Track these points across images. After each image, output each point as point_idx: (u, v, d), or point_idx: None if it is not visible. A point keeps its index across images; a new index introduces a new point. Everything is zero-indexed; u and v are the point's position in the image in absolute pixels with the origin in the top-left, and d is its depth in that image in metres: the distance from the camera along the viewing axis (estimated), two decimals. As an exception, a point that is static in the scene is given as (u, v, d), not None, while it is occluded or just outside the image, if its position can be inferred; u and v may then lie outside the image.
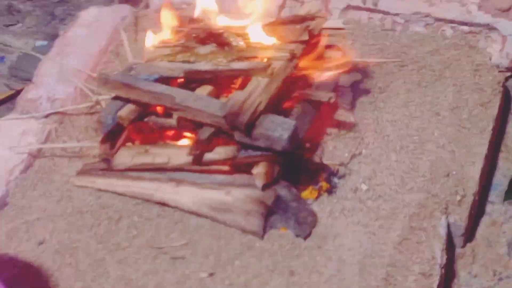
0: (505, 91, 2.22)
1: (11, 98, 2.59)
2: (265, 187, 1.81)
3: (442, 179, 1.92)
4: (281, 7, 2.28)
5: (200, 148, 1.82)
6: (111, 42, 2.39)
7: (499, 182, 2.08)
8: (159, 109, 1.91)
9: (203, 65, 1.91)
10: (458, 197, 1.89)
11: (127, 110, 1.90)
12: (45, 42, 2.81)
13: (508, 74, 2.25)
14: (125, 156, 1.93)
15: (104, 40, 2.38)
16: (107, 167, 1.96)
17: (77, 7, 2.86)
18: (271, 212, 1.81)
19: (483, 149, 1.99)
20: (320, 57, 2.03)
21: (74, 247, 1.82)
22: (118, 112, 1.90)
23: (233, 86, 1.93)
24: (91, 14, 2.49)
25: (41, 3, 3.00)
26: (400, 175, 1.94)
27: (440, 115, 2.09)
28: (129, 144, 1.97)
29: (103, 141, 1.93)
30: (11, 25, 2.95)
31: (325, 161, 1.97)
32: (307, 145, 1.95)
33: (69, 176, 2.01)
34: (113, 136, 1.93)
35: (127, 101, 1.92)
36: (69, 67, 2.27)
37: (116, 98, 1.94)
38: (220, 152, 1.83)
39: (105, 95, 2.12)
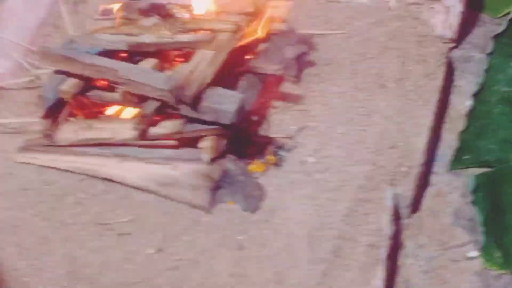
0: (449, 62, 2.23)
1: None
2: (212, 161, 1.80)
3: (388, 151, 1.93)
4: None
5: (145, 123, 1.79)
6: (50, 14, 2.33)
7: (444, 153, 2.10)
8: (102, 83, 1.87)
9: (147, 38, 1.88)
10: (404, 169, 1.90)
11: (69, 84, 1.87)
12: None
13: (452, 45, 2.26)
14: (68, 132, 1.90)
15: (42, 12, 2.33)
16: (50, 143, 1.92)
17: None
18: (218, 186, 1.80)
19: (428, 121, 2.01)
20: (265, 28, 2.02)
21: (17, 225, 1.79)
22: (60, 87, 1.86)
23: (178, 59, 1.90)
24: (29, -14, 2.43)
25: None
26: (347, 147, 1.94)
27: (385, 87, 2.09)
28: (72, 119, 1.93)
29: (45, 117, 1.89)
30: None
31: (271, 134, 1.96)
32: (254, 118, 1.94)
33: (10, 152, 1.96)
34: (55, 111, 1.90)
35: (69, 75, 1.88)
36: (7, 41, 2.21)
37: (57, 72, 1.90)
38: (166, 126, 1.81)
39: (45, 69, 2.07)
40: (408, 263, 1.85)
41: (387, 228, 1.76)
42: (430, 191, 2.02)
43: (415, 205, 1.94)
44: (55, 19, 2.32)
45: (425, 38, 2.22)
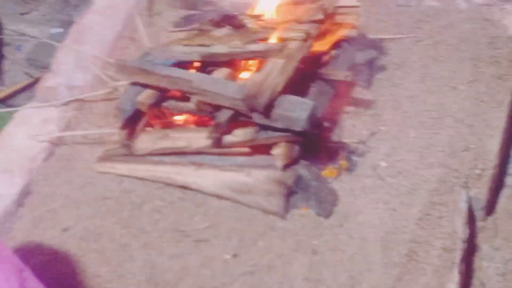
0: (522, 62, 2.22)
1: (31, 86, 2.61)
2: (285, 168, 1.82)
3: (461, 154, 1.92)
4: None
5: (219, 131, 1.83)
6: (126, 27, 2.39)
7: (519, 154, 2.09)
8: (177, 93, 1.92)
9: (219, 48, 1.92)
10: (478, 171, 1.89)
11: (145, 96, 1.91)
12: (60, 29, 2.82)
13: (525, 45, 2.25)
14: (146, 141, 1.95)
15: (119, 26, 2.39)
16: (128, 152, 1.97)
17: (91, -7, 2.87)
18: (292, 192, 1.83)
19: (501, 122, 2.00)
20: (335, 35, 2.03)
21: (99, 233, 1.84)
22: (136, 98, 1.91)
23: (249, 68, 1.94)
24: (105, 0, 2.50)
25: (55, -10, 3.01)
26: (419, 151, 1.94)
27: (457, 89, 2.09)
28: (149, 129, 1.98)
29: (123, 127, 1.94)
30: (26, 13, 2.96)
31: (344, 140, 1.97)
32: (326, 124, 1.95)
33: (91, 162, 2.02)
34: (132, 121, 1.95)
35: (145, 86, 1.93)
36: (86, 54, 2.28)
37: (134, 84, 1.95)
38: (239, 134, 1.84)
39: (123, 81, 2.13)
40: (483, 266, 1.84)
41: (462, 231, 1.75)
42: (504, 193, 2.01)
43: (490, 207, 1.94)
44: (131, 32, 2.38)
45: (496, 39, 2.21)
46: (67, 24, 2.70)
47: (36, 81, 2.51)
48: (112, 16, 2.42)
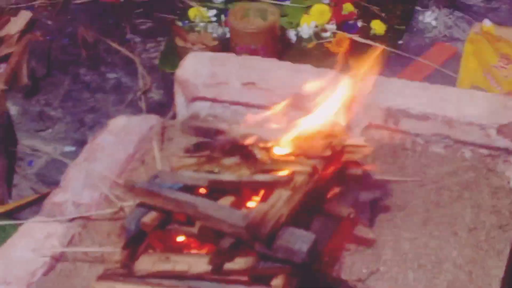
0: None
1: (37, 201, 2.65)
2: (283, 300, 1.82)
3: (459, 300, 1.93)
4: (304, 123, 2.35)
5: (220, 258, 1.84)
6: (138, 150, 2.45)
7: (516, 305, 2.08)
8: (182, 217, 1.94)
9: (227, 176, 1.96)
10: (475, 319, 1.89)
11: (150, 217, 1.94)
12: (73, 148, 2.88)
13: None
14: (146, 263, 1.95)
15: (131, 148, 2.44)
16: (127, 272, 1.98)
17: (106, 116, 2.95)
18: (288, 325, 1.82)
19: (500, 272, 2.00)
20: (341, 172, 2.08)
21: None
22: (141, 219, 1.93)
23: (255, 197, 1.97)
24: (120, 123, 2.56)
25: (72, 110, 3.10)
26: (417, 294, 1.95)
27: (458, 235, 2.11)
28: (150, 250, 2.00)
29: (124, 247, 1.95)
30: (41, 130, 3.04)
31: (343, 276, 1.98)
32: (326, 259, 1.97)
33: (89, 280, 2.02)
34: (135, 242, 1.96)
35: (151, 208, 1.96)
36: (96, 173, 2.32)
37: (140, 205, 1.98)
38: (240, 262, 1.85)
39: (129, 202, 2.16)
40: None
41: None
42: None
43: None
44: (142, 155, 2.43)
45: (499, 189, 2.25)
46: (81, 143, 2.77)
47: (43, 196, 2.55)
48: (125, 138, 2.48)
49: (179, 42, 3.25)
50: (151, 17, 3.52)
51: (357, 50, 3.19)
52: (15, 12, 3.48)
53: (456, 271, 2.00)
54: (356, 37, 3.42)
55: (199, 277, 1.90)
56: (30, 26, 3.42)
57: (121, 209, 2.20)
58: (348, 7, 3.49)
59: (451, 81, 3.01)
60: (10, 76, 3.16)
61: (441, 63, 3.26)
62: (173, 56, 3.25)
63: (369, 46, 3.30)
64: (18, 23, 3.42)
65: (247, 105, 2.53)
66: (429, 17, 3.52)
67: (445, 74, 3.14)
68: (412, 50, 3.31)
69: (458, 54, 3.16)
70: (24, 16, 3.46)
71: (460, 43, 3.27)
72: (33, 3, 3.58)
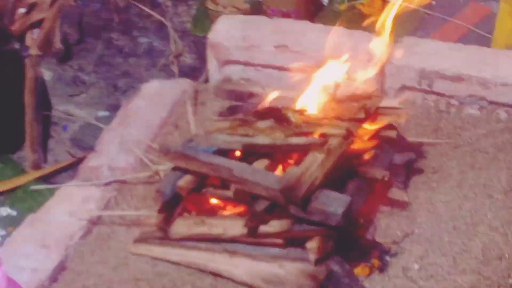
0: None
1: (73, 166, 2.67)
2: (318, 262, 1.84)
3: (494, 262, 1.93)
4: (338, 85, 2.34)
5: (255, 220, 1.86)
6: (171, 114, 2.46)
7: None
8: (216, 180, 1.96)
9: (261, 139, 1.97)
10: (510, 280, 1.89)
11: (185, 181, 1.95)
12: (107, 113, 2.90)
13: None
14: (182, 226, 1.98)
15: (164, 112, 2.46)
16: (163, 236, 2.00)
17: (139, 80, 2.95)
18: (323, 287, 1.83)
19: (535, 233, 2.00)
20: (376, 135, 2.07)
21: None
22: (177, 183, 1.95)
23: (289, 160, 1.98)
24: (153, 87, 2.58)
25: (105, 75, 3.10)
26: (452, 256, 1.95)
27: (493, 198, 2.10)
28: (186, 214, 2.01)
29: (161, 211, 1.98)
30: (75, 95, 3.06)
31: (377, 239, 1.99)
32: (361, 221, 1.97)
33: (126, 243, 2.05)
34: (171, 205, 1.98)
35: (185, 171, 1.97)
36: (130, 137, 2.34)
37: (175, 168, 2.00)
38: (275, 225, 1.87)
39: (164, 166, 2.18)
40: None
41: None
42: (536, 304, 1.99)
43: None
44: (175, 119, 2.45)
45: (535, 151, 2.23)
46: (115, 108, 2.77)
47: (78, 161, 2.57)
48: (158, 103, 2.49)
49: (211, 5, 3.24)
50: (182, -19, 3.50)
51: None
52: (47, -22, 3.48)
53: (491, 233, 2.00)
54: (389, -2, 3.38)
55: (234, 239, 1.92)
56: (62, -8, 3.42)
57: (156, 172, 2.22)
58: (380, -32, 3.44)
59: (485, 42, 2.97)
60: (43, 42, 3.17)
61: (475, 23, 3.22)
62: (205, 19, 3.23)
63: (403, 6, 3.26)
64: (50, -12, 3.42)
65: (280, 68, 2.52)
66: (463, -23, 3.47)
67: (480, 35, 3.09)
68: (446, 11, 3.26)
69: (493, 14, 3.11)
70: (56, -19, 3.46)
71: (495, 3, 3.21)
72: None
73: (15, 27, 3.24)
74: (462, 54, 2.44)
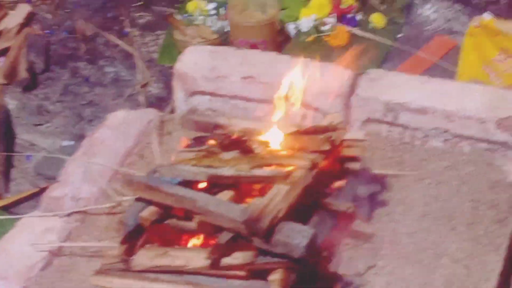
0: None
1: (35, 196, 2.65)
2: (281, 294, 1.82)
3: (457, 294, 1.93)
4: (303, 117, 2.35)
5: (218, 252, 1.84)
6: (137, 144, 2.45)
7: (514, 299, 2.08)
8: (180, 212, 1.94)
9: (226, 171, 1.96)
10: (473, 314, 1.89)
11: (149, 212, 1.94)
12: (72, 142, 2.88)
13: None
14: (144, 257, 1.95)
15: (130, 142, 2.44)
16: (125, 267, 1.98)
17: (105, 110, 2.95)
18: (286, 319, 1.82)
19: (498, 266, 2.00)
20: (340, 167, 2.08)
21: None
22: (140, 214, 1.93)
23: (253, 192, 1.97)
24: (119, 117, 2.56)
25: (70, 104, 3.10)
26: (415, 288, 1.95)
27: (456, 230, 2.11)
28: (148, 245, 1.99)
29: (123, 242, 1.95)
30: (40, 124, 3.04)
31: (340, 271, 1.98)
32: (324, 254, 1.97)
33: (88, 275, 2.02)
34: (133, 237, 1.96)
35: (149, 203, 1.96)
36: (95, 167, 2.32)
37: (139, 199, 1.98)
38: (238, 257, 1.85)
39: (127, 196, 2.16)
40: None
41: None
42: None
43: None
44: (140, 149, 2.43)
45: (497, 184, 2.25)
46: (79, 137, 2.77)
47: (41, 191, 2.55)
48: (124, 132, 2.48)
49: (178, 36, 3.25)
50: (149, 11, 3.52)
51: (356, 44, 3.19)
52: (13, 5, 3.47)
53: (454, 265, 2.00)
54: (356, 31, 3.41)
55: (197, 271, 1.90)
56: (28, 20, 3.41)
57: (120, 203, 2.20)
58: (347, 1, 3.48)
59: (450, 75, 3.01)
60: (8, 70, 3.16)
61: (440, 56, 3.26)
62: (172, 50, 3.25)
63: (369, 39, 3.30)
64: (16, 16, 3.42)
65: (246, 99, 2.52)
66: (428, 10, 3.51)
67: (445, 68, 3.14)
68: (412, 43, 3.30)
69: (458, 47, 3.16)
70: (22, 10, 3.46)
71: (460, 36, 3.26)
72: (32, -4, 3.58)
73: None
74: (427, 86, 2.46)
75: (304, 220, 1.91)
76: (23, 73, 3.14)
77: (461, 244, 2.06)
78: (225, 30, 3.37)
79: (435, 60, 3.21)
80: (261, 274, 1.85)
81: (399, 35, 3.41)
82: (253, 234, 1.80)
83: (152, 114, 2.60)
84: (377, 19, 3.43)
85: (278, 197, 1.86)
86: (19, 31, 3.33)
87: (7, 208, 2.66)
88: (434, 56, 3.25)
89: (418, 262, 2.01)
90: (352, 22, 3.46)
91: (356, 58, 2.48)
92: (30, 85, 3.15)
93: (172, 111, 2.72)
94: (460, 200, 2.20)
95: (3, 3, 3.47)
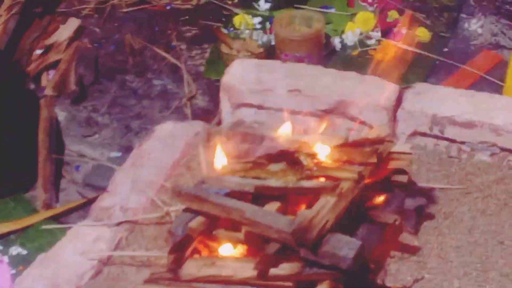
0: None
1: (84, 206, 2.69)
2: (328, 306, 1.83)
3: (505, 309, 1.92)
4: (350, 129, 2.36)
5: (266, 263, 1.86)
6: (183, 156, 2.47)
7: None
8: (227, 223, 1.96)
9: (273, 182, 1.98)
10: (521, 328, 1.88)
11: (197, 222, 1.96)
12: (119, 154, 2.92)
13: None
14: (192, 267, 1.98)
15: (177, 154, 2.47)
16: (173, 277, 2.00)
17: (152, 122, 2.99)
18: (333, 331, 1.82)
19: (546, 281, 1.99)
20: (387, 179, 2.08)
21: None
22: (188, 224, 1.95)
23: (301, 204, 1.98)
24: (166, 129, 2.59)
25: (118, 116, 3.13)
26: (462, 301, 1.94)
27: (504, 244, 2.10)
28: (196, 255, 2.02)
29: (171, 251, 1.98)
30: (89, 136, 3.08)
31: (387, 283, 1.98)
32: (371, 266, 1.97)
33: (136, 284, 2.05)
34: (181, 247, 1.98)
35: (197, 213, 1.98)
36: (143, 178, 2.35)
37: (187, 210, 2.01)
38: (285, 268, 1.87)
39: (175, 207, 2.19)
40: None
41: None
42: None
43: None
44: (187, 161, 2.46)
45: (546, 198, 2.23)
46: (127, 149, 2.80)
47: (90, 201, 2.59)
48: (171, 144, 2.50)
49: (225, 49, 3.28)
50: (196, 25, 3.55)
51: (402, 58, 3.19)
52: (64, 19, 3.54)
53: (502, 279, 1.99)
54: (401, 44, 3.41)
55: (244, 282, 1.92)
56: (78, 34, 3.48)
57: (168, 214, 2.23)
58: (393, 15, 3.48)
59: (497, 89, 2.99)
60: (58, 83, 3.21)
61: (487, 70, 3.24)
62: (218, 63, 3.27)
63: (415, 53, 3.29)
64: (67, 30, 3.48)
65: (292, 112, 2.54)
66: (474, 25, 3.50)
67: (491, 82, 3.12)
68: (458, 58, 3.29)
69: (504, 61, 3.14)
70: (72, 24, 3.52)
71: (507, 51, 3.24)
72: (81, 10, 3.64)
73: (31, 68, 3.29)
74: (474, 100, 2.46)
75: (351, 232, 1.91)
76: (72, 86, 3.20)
77: (509, 259, 2.05)
78: (271, 43, 3.39)
79: (481, 74, 3.20)
80: (308, 285, 1.86)
81: (445, 49, 3.40)
82: (301, 245, 1.81)
83: (198, 126, 2.63)
84: (422, 33, 3.43)
85: (326, 209, 1.87)
86: (69, 45, 3.39)
87: (57, 218, 2.70)
88: (481, 70, 3.23)
89: (466, 276, 2.00)
90: (398, 36, 3.46)
91: (400, 71, 2.49)
92: (79, 97, 3.20)
93: (219, 124, 2.74)
94: (508, 215, 2.19)
95: (55, 17, 3.54)
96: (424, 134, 2.46)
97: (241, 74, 2.63)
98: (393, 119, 2.46)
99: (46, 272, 2.08)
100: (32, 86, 3.28)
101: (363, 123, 2.42)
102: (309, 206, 1.90)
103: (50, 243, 2.26)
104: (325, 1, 3.57)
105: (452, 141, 2.42)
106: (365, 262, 1.91)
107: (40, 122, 3.02)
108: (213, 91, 3.13)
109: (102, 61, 3.35)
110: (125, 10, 3.64)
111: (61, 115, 3.16)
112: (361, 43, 3.41)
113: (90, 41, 3.45)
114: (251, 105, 2.61)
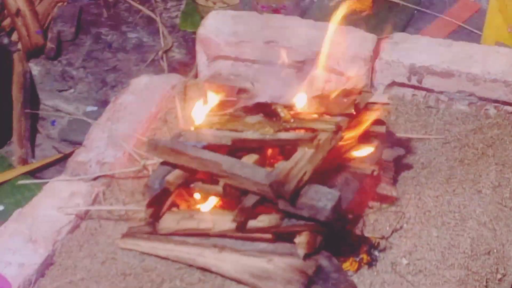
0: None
1: (60, 161, 2.67)
2: (306, 257, 1.83)
3: (482, 257, 1.93)
4: (327, 81, 2.34)
5: (244, 215, 1.85)
6: (160, 110, 2.45)
7: (541, 262, 2.08)
8: (205, 175, 1.95)
9: (250, 134, 1.96)
10: (499, 276, 1.89)
11: (174, 176, 1.95)
12: (95, 108, 2.89)
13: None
14: (170, 221, 1.97)
15: (153, 107, 2.45)
16: (152, 230, 1.99)
17: (128, 75, 2.95)
18: (312, 282, 1.82)
19: (524, 229, 2.00)
20: (365, 130, 2.07)
21: (116, 308, 1.85)
22: (165, 177, 1.94)
23: (278, 156, 1.97)
24: (142, 82, 2.56)
25: (94, 70, 3.10)
26: (440, 250, 1.95)
27: (482, 193, 2.10)
28: (174, 209, 2.01)
29: (149, 205, 1.97)
30: (64, 90, 3.05)
31: (366, 234, 1.98)
32: (349, 216, 1.97)
33: (114, 238, 2.04)
34: (159, 200, 1.97)
35: (174, 166, 1.96)
36: (119, 132, 2.33)
37: (164, 163, 1.99)
38: (263, 220, 1.86)
39: (152, 160, 2.17)
40: None
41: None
42: (525, 299, 1.99)
43: (509, 313, 1.92)
44: (164, 114, 2.43)
45: (524, 147, 2.24)
46: (103, 103, 2.77)
47: (66, 156, 2.57)
48: (147, 97, 2.48)
49: (200, 1, 3.23)
50: (171, -24, 3.50)
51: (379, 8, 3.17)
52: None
53: (479, 228, 2.00)
54: (379, -6, 3.38)
55: (223, 234, 1.92)
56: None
57: (145, 167, 2.21)
58: (370, -36, 3.44)
59: (475, 38, 2.98)
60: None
61: (465, 19, 3.23)
62: (194, 15, 3.23)
63: (392, 3, 3.27)
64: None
65: (269, 63, 2.51)
66: (453, -26, 3.47)
67: (469, 31, 3.11)
68: (436, 7, 3.27)
69: (483, 10, 3.13)
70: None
71: (484, 0, 3.22)
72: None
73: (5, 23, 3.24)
74: (452, 50, 2.45)
75: (329, 183, 1.91)
76: (49, 44, 3.15)
77: (487, 207, 2.06)
78: (247, -5, 3.35)
79: (459, 23, 3.18)
80: (287, 236, 1.86)
81: (422, -1, 3.38)
82: (279, 197, 1.81)
83: (175, 79, 2.60)
84: (400, -17, 3.40)
85: (303, 160, 1.86)
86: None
87: (32, 173, 2.67)
88: (459, 19, 3.22)
89: (444, 225, 2.01)
90: (375, -14, 3.42)
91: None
92: (55, 54, 3.15)
93: (195, 76, 2.72)
94: (485, 164, 2.19)
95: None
96: (402, 85, 2.45)
97: (217, 26, 2.59)
98: (371, 69, 2.45)
99: (23, 227, 2.06)
100: (5, 41, 3.22)
101: (340, 74, 2.40)
102: (287, 158, 1.89)
103: (26, 198, 2.24)
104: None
105: (430, 91, 2.42)
106: (344, 213, 1.91)
107: (14, 77, 2.97)
108: (189, 43, 3.10)
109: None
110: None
111: (35, 69, 3.12)
112: (339, -7, 3.38)
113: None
114: (227, 57, 2.58)
